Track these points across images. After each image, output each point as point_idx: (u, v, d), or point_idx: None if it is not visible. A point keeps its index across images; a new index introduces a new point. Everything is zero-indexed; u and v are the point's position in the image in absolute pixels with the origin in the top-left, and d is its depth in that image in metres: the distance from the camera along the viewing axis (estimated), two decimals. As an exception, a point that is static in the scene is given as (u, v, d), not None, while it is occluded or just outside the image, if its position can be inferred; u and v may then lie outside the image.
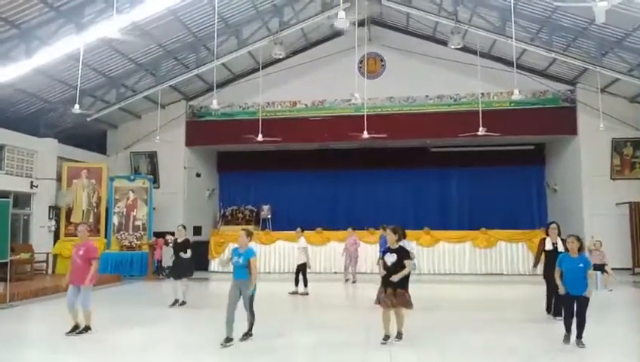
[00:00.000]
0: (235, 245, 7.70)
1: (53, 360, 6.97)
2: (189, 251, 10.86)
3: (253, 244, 8.11)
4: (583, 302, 6.94)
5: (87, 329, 7.91)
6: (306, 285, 12.41)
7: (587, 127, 17.56)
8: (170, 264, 11.82)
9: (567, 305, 7.08)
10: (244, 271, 7.28)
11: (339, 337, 7.79)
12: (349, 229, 15.67)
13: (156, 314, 10.05)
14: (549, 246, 9.05)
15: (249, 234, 7.59)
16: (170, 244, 15.09)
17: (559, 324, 7.42)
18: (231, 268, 7.50)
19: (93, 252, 7.99)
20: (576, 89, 18.07)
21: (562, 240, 8.67)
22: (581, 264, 7.06)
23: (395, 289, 7.04)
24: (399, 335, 7.23)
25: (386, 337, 7.14)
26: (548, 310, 9.18)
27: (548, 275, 8.83)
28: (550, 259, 8.64)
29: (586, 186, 17.71)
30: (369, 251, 16.49)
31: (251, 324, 7.47)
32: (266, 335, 7.69)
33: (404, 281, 7.17)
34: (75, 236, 16.35)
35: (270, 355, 6.90)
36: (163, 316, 9.93)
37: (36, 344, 7.97)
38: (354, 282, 14.83)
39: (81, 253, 7.89)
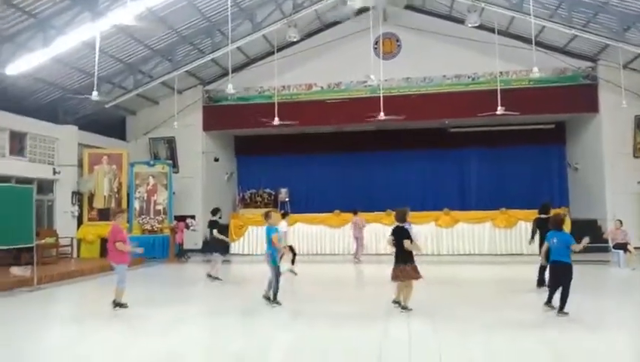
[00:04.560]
0: (256, 227, 8.45)
1: (97, 334, 7.23)
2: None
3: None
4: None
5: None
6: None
7: (609, 105, 17.19)
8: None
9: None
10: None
11: (360, 309, 8.35)
12: (357, 212, 16.25)
13: (186, 292, 10.98)
14: None
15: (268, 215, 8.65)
16: (192, 227, 16.27)
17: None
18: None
19: None
20: (598, 66, 17.65)
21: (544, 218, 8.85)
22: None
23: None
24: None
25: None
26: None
27: None
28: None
29: (607, 164, 17.41)
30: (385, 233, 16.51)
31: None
32: (292, 306, 8.48)
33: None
34: (97, 221, 16.91)
35: (297, 323, 7.60)
36: (193, 293, 10.88)
37: (76, 321, 8.29)
38: (358, 261, 15.52)
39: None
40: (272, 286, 8.32)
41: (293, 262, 12.97)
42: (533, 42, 14.57)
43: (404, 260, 7.66)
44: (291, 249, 12.95)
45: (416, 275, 7.64)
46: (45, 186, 16.67)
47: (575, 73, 17.98)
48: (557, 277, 7.47)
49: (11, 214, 10.88)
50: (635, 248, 13.61)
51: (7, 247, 12.12)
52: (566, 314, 7.21)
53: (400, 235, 7.70)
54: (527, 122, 19.29)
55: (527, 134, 20.01)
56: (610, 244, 13.84)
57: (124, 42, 15.62)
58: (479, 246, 17.29)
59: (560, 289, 7.32)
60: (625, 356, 5.97)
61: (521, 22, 16.08)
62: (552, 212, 9.70)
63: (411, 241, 7.68)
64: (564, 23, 15.35)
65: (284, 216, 13.77)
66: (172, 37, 16.45)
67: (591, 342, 6.28)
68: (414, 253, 7.81)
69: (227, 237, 12.33)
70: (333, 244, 18.11)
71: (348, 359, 5.70)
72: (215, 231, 11.91)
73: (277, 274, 8.32)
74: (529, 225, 16.74)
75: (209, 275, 11.84)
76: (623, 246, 13.26)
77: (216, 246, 12.09)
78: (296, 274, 12.59)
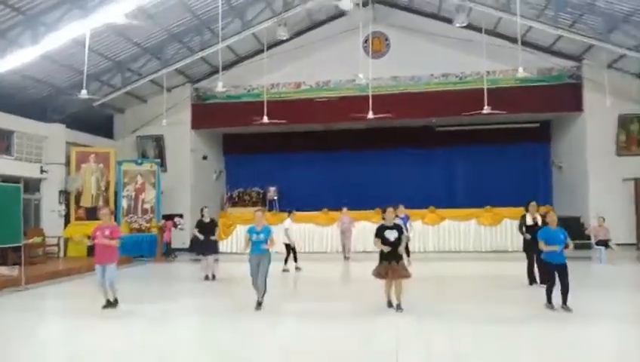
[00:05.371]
0: (244, 226, 8.30)
1: (94, 329, 7.32)
2: (216, 229, 12.14)
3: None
4: (565, 270, 7.65)
5: (116, 302, 8.41)
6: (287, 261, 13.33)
7: (593, 104, 17.50)
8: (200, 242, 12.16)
9: (552, 275, 7.72)
10: (263, 246, 8.06)
11: (348, 307, 8.47)
12: (344, 209, 16.38)
13: (174, 290, 11.20)
14: (529, 222, 9.82)
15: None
16: (180, 226, 16.20)
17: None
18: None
19: (118, 232, 8.47)
20: (583, 65, 17.95)
21: (541, 215, 9.54)
22: (561, 235, 7.73)
23: (398, 261, 7.75)
24: (400, 307, 7.77)
25: (391, 303, 7.88)
26: (530, 281, 9.92)
27: (528, 249, 9.70)
28: (531, 234, 9.41)
29: (591, 163, 17.72)
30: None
31: (263, 294, 8.18)
32: (281, 304, 8.68)
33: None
34: (85, 220, 16.72)
35: (286, 321, 7.74)
36: (181, 291, 11.03)
37: (63, 320, 8.40)
38: (347, 258, 15.83)
39: (107, 233, 8.24)
40: (263, 289, 8.28)
41: (286, 261, 13.20)
42: (520, 42, 14.75)
43: (380, 257, 7.89)
44: (287, 248, 13.22)
45: (380, 274, 7.82)
46: (32, 185, 16.56)
47: (560, 72, 18.25)
48: None
49: (-1, 213, 10.82)
50: (618, 245, 13.93)
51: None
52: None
53: (401, 230, 7.94)
54: (513, 121, 19.56)
55: (512, 133, 20.29)
56: (593, 241, 14.13)
57: (114, 40, 15.57)
58: (465, 244, 17.53)
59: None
60: (607, 347, 6.16)
61: (508, 22, 16.30)
62: (530, 207, 10.08)
63: (381, 240, 7.80)
64: (551, 23, 15.60)
65: (289, 213, 13.98)
66: (162, 35, 16.42)
67: (573, 335, 6.52)
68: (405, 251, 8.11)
69: (214, 235, 12.16)
70: (322, 242, 18.23)
71: (335, 356, 5.78)
72: (196, 231, 11.98)
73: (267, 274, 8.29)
74: (514, 223, 17.06)
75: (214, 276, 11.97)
76: (605, 243, 13.57)
77: (195, 245, 12.27)
78: (288, 271, 12.97)
